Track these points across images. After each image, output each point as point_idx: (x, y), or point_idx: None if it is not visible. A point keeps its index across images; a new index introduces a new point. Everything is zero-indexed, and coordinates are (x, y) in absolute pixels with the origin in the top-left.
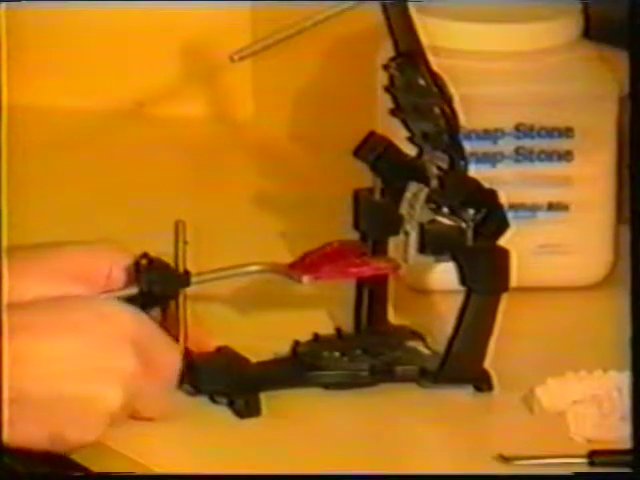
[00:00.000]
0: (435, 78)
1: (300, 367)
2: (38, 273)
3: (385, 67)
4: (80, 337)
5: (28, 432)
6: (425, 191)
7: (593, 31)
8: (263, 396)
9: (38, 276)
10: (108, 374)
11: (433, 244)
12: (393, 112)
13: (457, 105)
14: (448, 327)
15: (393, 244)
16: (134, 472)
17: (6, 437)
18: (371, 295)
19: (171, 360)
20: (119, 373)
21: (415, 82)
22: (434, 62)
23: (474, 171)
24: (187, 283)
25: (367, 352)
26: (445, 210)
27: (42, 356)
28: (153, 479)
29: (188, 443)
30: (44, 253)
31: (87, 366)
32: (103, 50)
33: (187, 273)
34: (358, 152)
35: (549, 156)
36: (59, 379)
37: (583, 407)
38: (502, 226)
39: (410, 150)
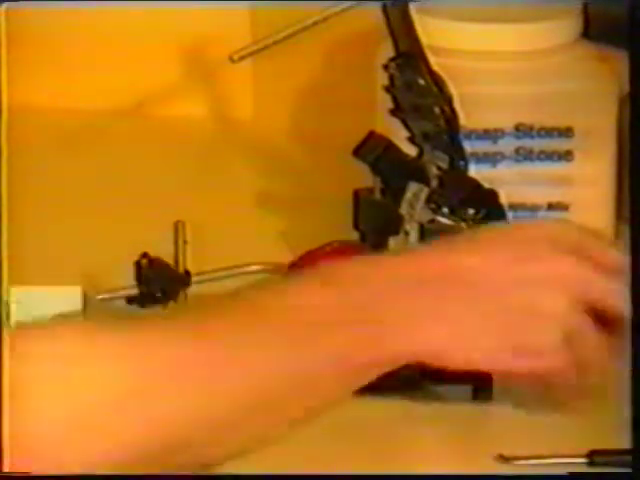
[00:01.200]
0: (435, 78)
1: None
2: None
3: (385, 67)
4: None
5: None
6: (425, 191)
7: (593, 31)
8: None
9: None
10: None
11: None
12: (393, 112)
13: (457, 105)
14: None
15: (393, 244)
16: (135, 472)
17: None
18: None
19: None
20: None
21: (415, 82)
22: (434, 62)
23: (474, 171)
24: (187, 283)
25: None
26: (445, 210)
27: None
28: (153, 479)
29: None
30: None
31: None
32: (103, 50)
33: (187, 273)
34: (358, 152)
35: (549, 156)
36: None
37: None
38: None
39: (410, 150)
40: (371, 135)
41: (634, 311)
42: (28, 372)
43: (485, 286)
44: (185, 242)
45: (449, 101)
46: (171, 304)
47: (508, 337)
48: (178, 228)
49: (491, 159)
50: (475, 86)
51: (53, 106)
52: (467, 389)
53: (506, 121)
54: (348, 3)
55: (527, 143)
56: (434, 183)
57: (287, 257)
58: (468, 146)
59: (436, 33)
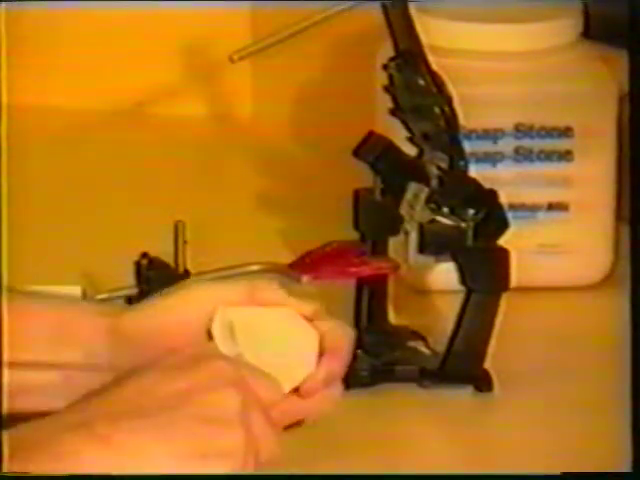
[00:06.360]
0: (435, 78)
1: None
2: None
3: (385, 67)
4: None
5: None
6: (425, 191)
7: (593, 31)
8: None
9: None
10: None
11: (433, 244)
12: (393, 112)
13: (457, 105)
14: (448, 327)
15: (393, 244)
16: (135, 473)
17: None
18: (371, 295)
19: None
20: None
21: (415, 82)
22: (434, 62)
23: (474, 171)
24: None
25: (367, 352)
26: (445, 210)
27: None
28: (154, 479)
29: None
30: None
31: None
32: (103, 50)
33: (187, 273)
34: (358, 152)
35: (549, 156)
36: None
37: None
38: (502, 226)
39: (410, 150)
40: (371, 135)
41: (634, 311)
42: None
43: (154, 402)
44: (185, 242)
45: (449, 101)
46: None
47: (193, 445)
48: (178, 228)
49: (491, 159)
50: (475, 86)
51: (53, 106)
52: (467, 389)
53: (506, 121)
54: (348, 3)
55: (527, 143)
56: (434, 183)
57: (287, 257)
58: (468, 146)
59: (436, 33)
